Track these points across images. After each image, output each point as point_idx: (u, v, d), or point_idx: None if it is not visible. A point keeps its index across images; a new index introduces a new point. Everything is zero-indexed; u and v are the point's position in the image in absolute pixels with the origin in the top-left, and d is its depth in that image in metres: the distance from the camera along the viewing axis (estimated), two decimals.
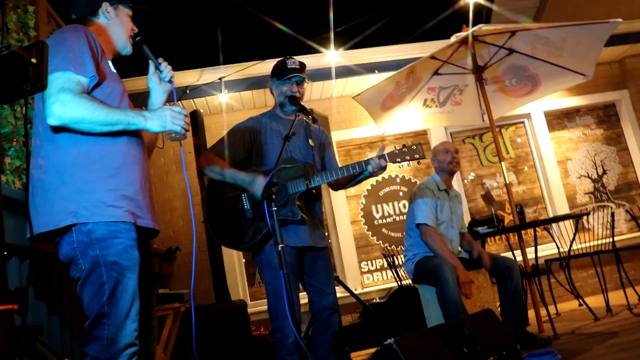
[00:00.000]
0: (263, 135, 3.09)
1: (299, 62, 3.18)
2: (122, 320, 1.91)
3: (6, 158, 2.77)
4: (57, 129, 1.95)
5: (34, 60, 1.32)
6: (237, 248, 3.06)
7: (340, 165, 3.08)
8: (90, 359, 1.86)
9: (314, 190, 3.09)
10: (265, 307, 5.75)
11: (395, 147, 3.19)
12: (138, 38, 2.27)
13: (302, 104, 3.08)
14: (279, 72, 3.15)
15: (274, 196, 2.56)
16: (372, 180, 6.45)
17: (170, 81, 2.29)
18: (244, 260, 6.13)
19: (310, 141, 3.17)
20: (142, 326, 2.06)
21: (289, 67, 3.14)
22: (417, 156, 2.99)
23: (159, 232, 2.27)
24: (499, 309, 4.01)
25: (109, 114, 1.95)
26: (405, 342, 2.37)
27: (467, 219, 5.75)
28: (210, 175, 3.04)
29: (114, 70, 2.19)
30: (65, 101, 1.88)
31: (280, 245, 2.51)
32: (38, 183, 1.97)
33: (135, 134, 2.12)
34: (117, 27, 2.26)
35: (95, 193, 1.95)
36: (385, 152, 2.99)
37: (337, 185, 3.32)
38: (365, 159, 3.02)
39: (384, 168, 2.97)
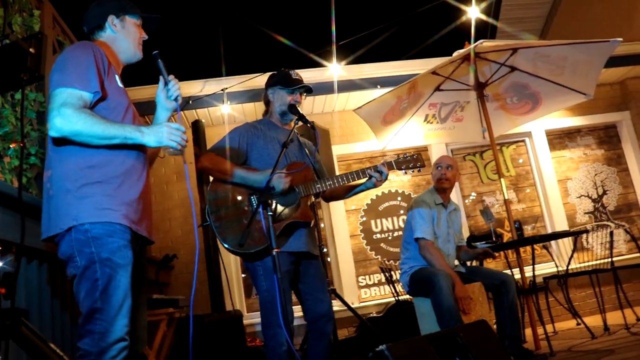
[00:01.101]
0: (262, 142, 3.10)
1: (300, 75, 3.25)
2: (114, 316, 1.97)
3: (5, 157, 2.80)
4: (61, 141, 2.05)
5: (32, 50, 1.36)
6: (245, 252, 2.89)
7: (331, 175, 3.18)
8: (83, 352, 1.92)
9: (320, 194, 3.15)
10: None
11: (398, 155, 3.27)
12: (155, 52, 2.32)
13: (301, 112, 3.12)
14: (284, 82, 3.19)
15: (270, 201, 2.58)
16: (372, 195, 6.45)
17: (176, 99, 2.33)
18: (241, 272, 6.12)
19: (306, 150, 3.23)
20: (130, 327, 2.08)
21: (293, 77, 3.20)
22: (419, 164, 3.20)
23: (153, 242, 2.35)
24: (495, 325, 3.99)
25: (107, 129, 2.04)
26: (398, 349, 2.36)
27: (465, 234, 5.73)
28: (214, 176, 3.02)
29: (121, 85, 2.27)
30: (65, 115, 1.97)
31: (275, 250, 2.53)
32: (47, 191, 2.10)
33: (137, 146, 2.19)
34: (124, 39, 2.35)
35: (94, 197, 2.05)
36: (392, 160, 3.17)
37: (331, 196, 3.35)
38: (372, 165, 3.14)
39: (386, 177, 3.10)
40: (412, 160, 3.17)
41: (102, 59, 2.18)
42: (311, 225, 3.05)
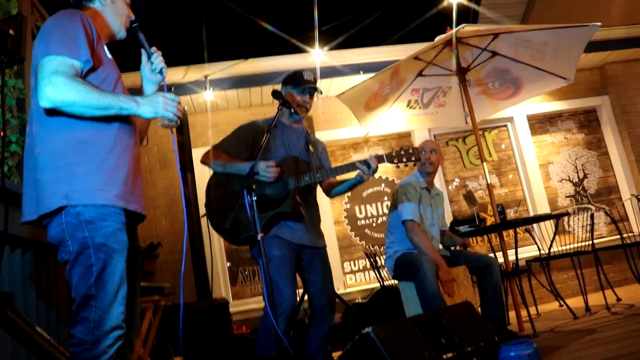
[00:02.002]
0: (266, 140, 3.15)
1: (313, 75, 3.33)
2: (109, 303, 1.92)
3: None
4: (50, 113, 1.95)
5: (12, 32, 1.33)
6: (237, 240, 3.10)
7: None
8: (77, 340, 1.86)
9: (313, 190, 3.23)
10: (247, 307, 5.79)
11: (393, 149, 3.31)
12: (135, 25, 2.27)
13: (285, 99, 3.13)
14: (295, 81, 3.28)
15: (253, 186, 2.59)
16: None
17: (161, 72, 2.29)
18: (226, 260, 6.12)
19: (310, 147, 3.26)
20: (126, 313, 2.05)
21: (305, 78, 3.28)
22: (413, 158, 3.17)
23: (145, 217, 2.27)
24: (479, 307, 4.04)
25: (101, 98, 1.95)
26: (383, 331, 2.39)
27: (449, 219, 5.78)
28: (213, 169, 3.16)
29: (110, 56, 2.20)
30: (57, 84, 1.88)
31: (260, 235, 2.55)
32: (32, 169, 1.99)
33: (127, 120, 2.13)
34: (112, 15, 2.26)
35: (87, 176, 1.96)
36: (383, 154, 3.16)
37: (330, 190, 3.40)
38: (361, 159, 3.15)
39: (374, 171, 3.10)
40: (407, 154, 3.15)
41: (91, 27, 2.09)
42: (303, 217, 3.08)
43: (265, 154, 3.09)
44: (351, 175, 3.19)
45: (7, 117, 2.94)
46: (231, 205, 3.00)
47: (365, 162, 3.07)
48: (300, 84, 3.25)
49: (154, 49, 2.28)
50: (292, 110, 3.17)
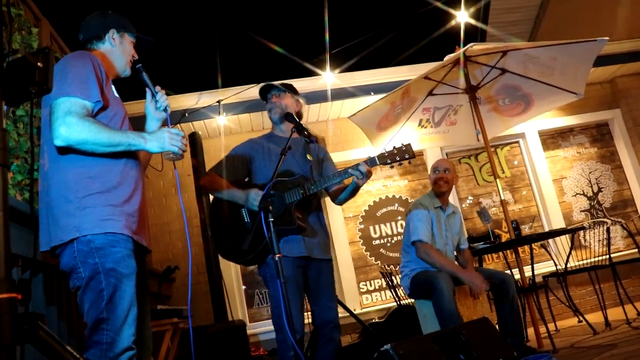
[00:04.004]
0: (262, 155, 3.23)
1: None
2: (120, 325, 1.99)
3: (9, 173, 2.83)
4: (62, 150, 2.08)
5: (40, 65, 1.41)
6: (239, 261, 3.11)
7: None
8: None
9: (312, 201, 3.17)
10: (264, 328, 5.80)
11: (384, 149, 3.23)
12: (139, 65, 2.41)
13: (298, 120, 3.15)
14: (261, 93, 3.36)
15: (270, 207, 2.62)
16: (370, 201, 6.50)
17: (165, 110, 2.41)
18: (242, 283, 6.15)
19: (308, 156, 3.27)
20: (137, 335, 2.11)
21: (264, 85, 3.33)
22: (407, 156, 2.98)
23: (150, 252, 2.41)
24: (497, 324, 4.02)
25: (112, 136, 2.08)
26: (402, 348, 2.40)
27: None
28: (212, 194, 3.21)
29: (117, 95, 2.33)
30: (71, 124, 2.01)
31: (277, 256, 2.57)
32: (45, 201, 2.11)
33: (133, 155, 2.25)
34: (120, 55, 2.41)
35: (96, 207, 2.06)
36: (374, 156, 3.01)
37: (335, 197, 3.32)
38: (353, 165, 3.02)
39: (366, 174, 2.95)
40: (399, 152, 2.97)
41: (100, 68, 2.22)
42: (304, 230, 3.04)
43: (263, 172, 3.14)
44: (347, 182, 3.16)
45: (29, 145, 3.03)
46: (234, 229, 3.05)
47: (357, 168, 2.95)
48: (262, 93, 3.34)
49: (157, 87, 2.40)
50: (270, 117, 3.29)
